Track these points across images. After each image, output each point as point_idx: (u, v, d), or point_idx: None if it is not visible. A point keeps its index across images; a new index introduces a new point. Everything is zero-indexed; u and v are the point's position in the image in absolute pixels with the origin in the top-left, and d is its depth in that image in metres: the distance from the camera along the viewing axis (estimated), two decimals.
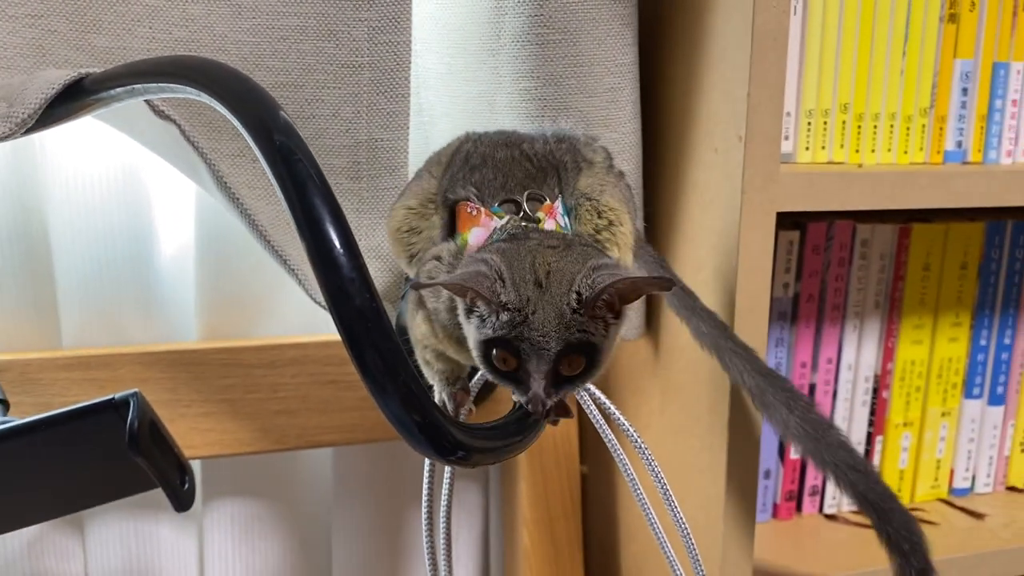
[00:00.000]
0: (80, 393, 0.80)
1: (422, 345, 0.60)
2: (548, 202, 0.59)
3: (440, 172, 0.62)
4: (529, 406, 0.51)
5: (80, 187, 0.81)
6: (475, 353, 0.53)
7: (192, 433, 0.83)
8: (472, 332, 0.53)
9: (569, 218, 0.61)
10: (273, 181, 0.43)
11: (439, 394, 0.61)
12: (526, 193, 0.59)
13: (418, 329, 0.60)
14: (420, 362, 0.61)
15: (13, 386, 0.78)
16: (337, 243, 0.40)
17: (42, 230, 0.81)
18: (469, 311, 0.53)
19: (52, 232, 0.81)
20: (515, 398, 0.54)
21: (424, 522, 0.63)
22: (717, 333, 0.70)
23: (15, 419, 0.64)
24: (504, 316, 0.51)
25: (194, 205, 0.84)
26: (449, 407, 0.60)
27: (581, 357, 0.52)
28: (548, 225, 0.58)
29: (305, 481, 0.95)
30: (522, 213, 0.58)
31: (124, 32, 0.71)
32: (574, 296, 0.51)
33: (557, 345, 0.51)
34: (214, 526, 0.91)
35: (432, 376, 0.61)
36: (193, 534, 0.91)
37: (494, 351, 0.51)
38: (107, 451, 0.63)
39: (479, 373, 0.62)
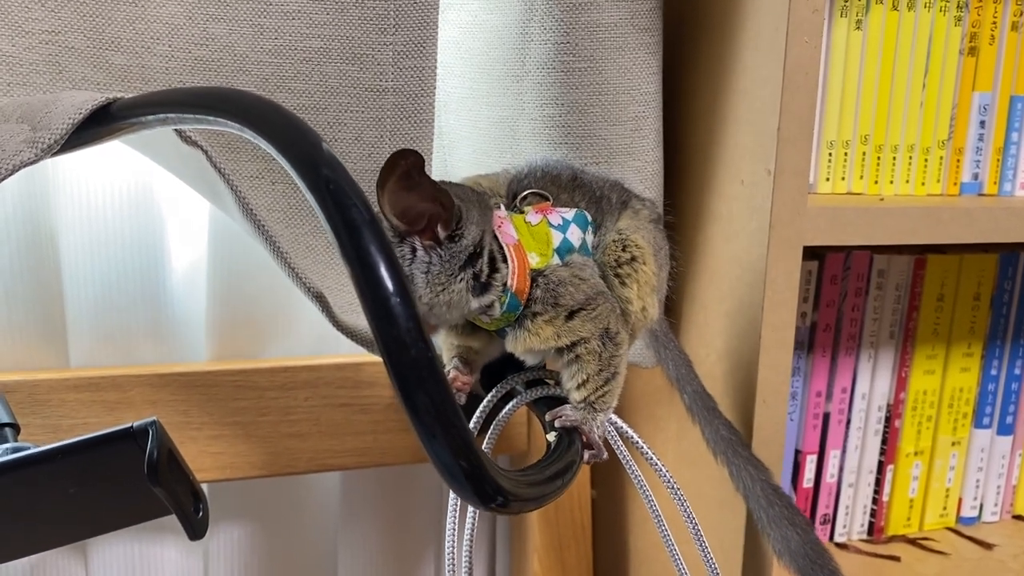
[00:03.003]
0: (89, 415, 0.78)
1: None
2: (548, 202, 0.59)
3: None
4: None
5: (91, 205, 0.80)
6: None
7: (202, 456, 0.82)
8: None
9: (594, 249, 0.61)
10: (324, 223, 0.42)
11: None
12: (527, 192, 0.60)
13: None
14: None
15: (21, 407, 0.77)
16: (393, 291, 0.40)
17: (51, 247, 0.80)
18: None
19: (62, 250, 0.80)
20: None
21: (448, 559, 0.62)
22: (735, 440, 0.69)
23: (30, 445, 0.63)
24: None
25: (206, 225, 0.83)
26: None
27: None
28: (531, 219, 0.59)
29: (312, 505, 0.94)
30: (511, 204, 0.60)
31: (143, 50, 0.70)
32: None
33: None
34: (220, 549, 0.90)
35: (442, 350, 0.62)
36: (198, 557, 0.90)
37: None
38: (123, 479, 0.62)
39: (490, 395, 0.62)
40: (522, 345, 0.58)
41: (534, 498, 0.49)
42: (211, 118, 0.49)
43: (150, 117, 0.54)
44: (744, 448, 0.69)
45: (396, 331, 0.39)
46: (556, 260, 0.58)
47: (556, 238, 0.59)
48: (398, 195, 0.52)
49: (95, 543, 0.86)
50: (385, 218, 0.52)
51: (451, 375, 0.62)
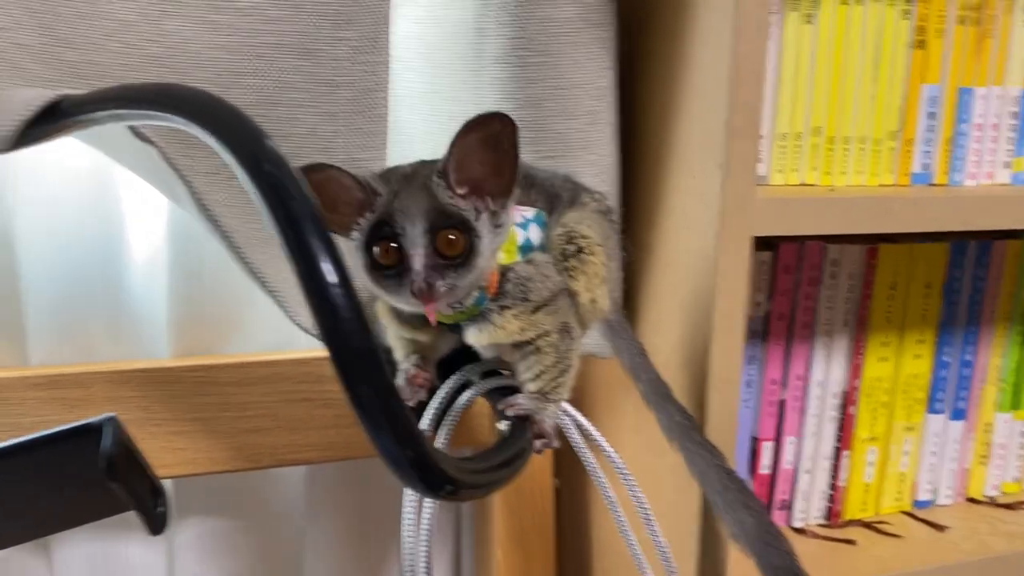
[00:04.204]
0: (49, 413, 0.78)
1: (384, 326, 0.63)
2: None
3: None
4: (415, 287, 0.53)
5: (48, 201, 0.80)
6: (365, 273, 0.55)
7: (164, 452, 0.82)
8: (356, 252, 0.55)
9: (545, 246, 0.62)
10: (266, 216, 0.42)
11: (400, 375, 0.63)
12: None
13: (379, 312, 0.63)
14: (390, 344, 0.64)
15: None
16: (334, 282, 0.40)
17: (8, 244, 0.79)
18: (352, 239, 0.55)
19: (18, 246, 0.80)
20: (405, 300, 0.54)
21: (406, 550, 0.63)
22: (689, 426, 0.70)
23: None
24: (377, 202, 0.54)
25: (165, 221, 0.83)
26: (401, 382, 0.62)
27: (459, 233, 0.54)
28: None
29: (277, 499, 0.94)
30: None
31: (96, 47, 0.69)
32: (437, 171, 0.54)
33: (429, 210, 0.53)
34: (184, 546, 0.90)
35: (396, 356, 0.64)
36: (162, 554, 0.90)
37: (374, 250, 0.54)
38: (81, 475, 0.62)
39: (444, 386, 0.63)
40: (488, 338, 0.59)
41: (484, 485, 0.50)
42: (158, 113, 0.50)
43: (99, 113, 0.54)
44: (698, 433, 0.70)
45: (338, 322, 0.40)
46: (519, 257, 0.60)
47: (520, 236, 0.60)
48: (474, 149, 0.53)
49: (58, 541, 0.86)
50: (445, 169, 0.54)
51: (411, 372, 0.63)
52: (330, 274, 0.40)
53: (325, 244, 0.41)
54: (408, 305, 0.57)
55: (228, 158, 0.45)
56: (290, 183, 0.43)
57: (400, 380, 0.62)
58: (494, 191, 0.55)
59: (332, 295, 0.40)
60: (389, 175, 0.56)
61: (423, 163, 0.57)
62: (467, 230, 0.54)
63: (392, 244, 0.54)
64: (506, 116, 0.53)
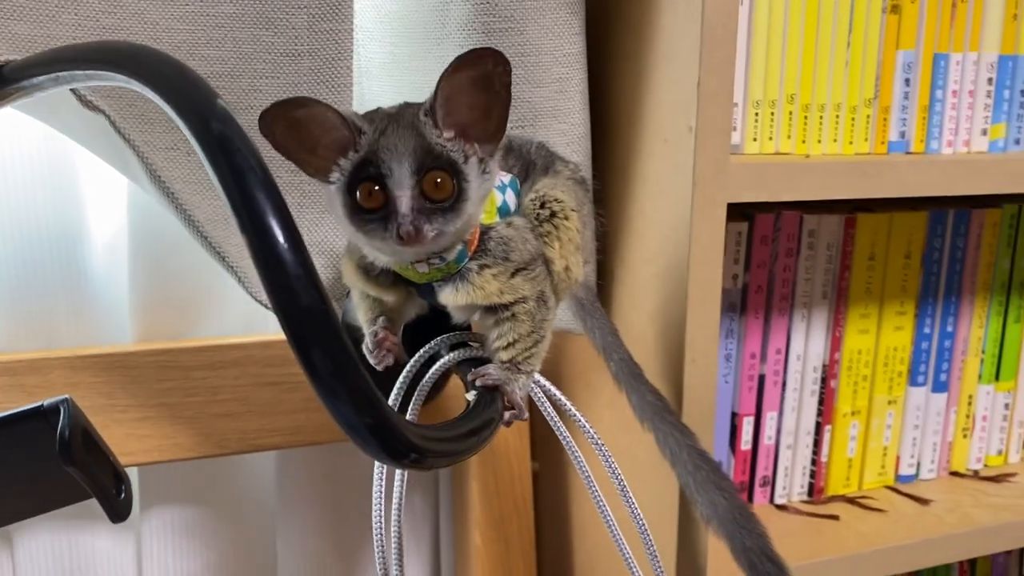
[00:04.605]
0: (7, 400, 0.76)
1: (351, 288, 0.61)
2: None
3: None
4: (401, 230, 0.50)
5: (2, 181, 0.77)
6: (344, 218, 0.53)
7: (129, 439, 0.80)
8: (336, 195, 0.53)
9: (520, 212, 0.60)
10: (211, 173, 0.40)
11: (367, 338, 0.61)
12: None
13: (344, 271, 0.61)
14: (355, 307, 0.62)
15: None
16: (281, 238, 0.38)
17: None
18: (330, 181, 0.53)
19: None
20: (389, 242, 0.52)
21: (376, 527, 0.61)
22: (661, 406, 0.69)
23: None
24: (361, 141, 0.51)
25: (125, 199, 0.81)
26: (370, 344, 0.60)
27: (447, 176, 0.52)
28: None
29: (247, 486, 0.92)
30: None
31: (48, 19, 0.67)
32: (423, 111, 0.52)
33: (416, 149, 0.51)
34: (153, 535, 0.88)
35: (360, 319, 0.61)
36: (130, 544, 0.87)
37: (357, 193, 0.52)
38: (37, 461, 0.60)
39: (413, 359, 0.61)
40: (464, 298, 0.57)
41: (449, 453, 0.48)
42: (100, 72, 0.48)
43: (42, 77, 0.52)
44: (670, 414, 0.69)
45: (285, 279, 0.38)
46: (498, 219, 0.58)
47: (498, 198, 0.58)
48: (463, 89, 0.51)
49: (20, 531, 0.83)
50: (432, 108, 0.52)
51: (380, 335, 0.60)
52: (277, 229, 0.38)
53: (272, 198, 0.39)
54: (391, 253, 0.55)
55: (171, 112, 0.43)
56: (235, 135, 0.41)
57: (368, 342, 0.60)
58: (482, 136, 0.53)
59: (279, 251, 0.38)
60: (373, 115, 0.54)
61: (408, 104, 0.54)
62: (455, 173, 0.52)
63: (376, 186, 0.51)
64: (499, 53, 0.50)
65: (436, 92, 0.52)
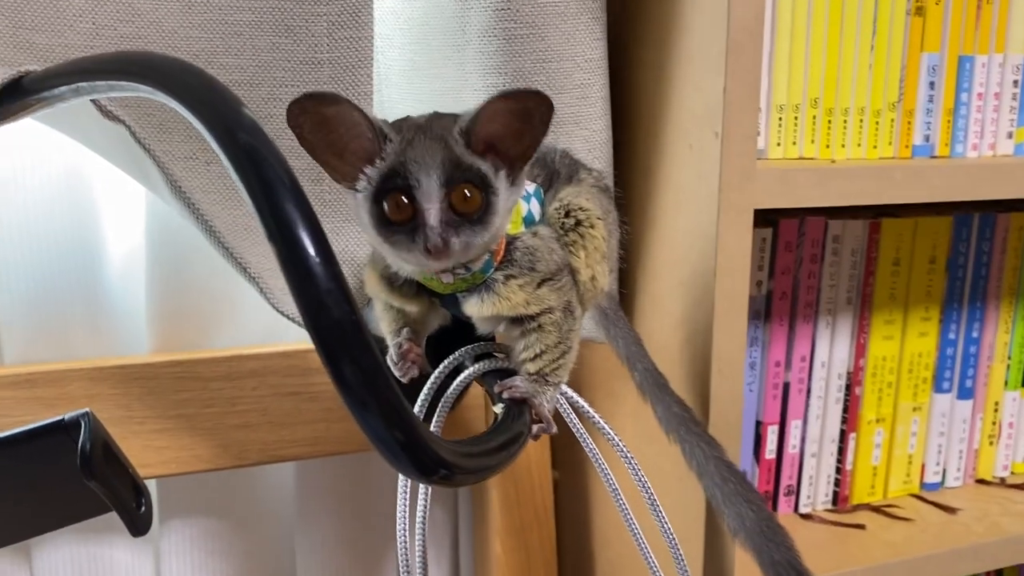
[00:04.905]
0: (26, 413, 0.75)
1: (373, 298, 0.60)
2: None
3: None
4: (429, 243, 0.50)
5: (19, 192, 0.77)
6: (371, 227, 0.52)
7: (147, 451, 0.79)
8: (363, 204, 0.52)
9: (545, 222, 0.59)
10: (239, 185, 0.40)
11: (391, 350, 0.60)
12: None
13: (366, 281, 0.60)
14: (378, 318, 0.61)
15: None
16: (312, 251, 0.37)
17: None
18: (356, 190, 0.52)
19: None
20: (417, 255, 0.51)
21: (400, 541, 0.60)
22: (686, 417, 0.68)
23: None
24: (387, 149, 0.50)
25: (143, 209, 0.80)
26: (395, 356, 0.59)
27: (476, 189, 0.51)
28: None
29: (267, 497, 0.91)
30: None
31: (65, 28, 0.67)
32: (457, 128, 0.51)
33: (445, 162, 0.50)
34: (172, 547, 0.87)
35: (383, 330, 0.61)
36: (149, 557, 0.87)
37: (385, 204, 0.51)
38: (57, 475, 0.59)
39: (437, 370, 0.60)
40: (489, 309, 0.56)
41: (479, 469, 0.47)
42: (122, 83, 0.47)
43: (62, 88, 0.51)
44: (696, 425, 0.68)
45: (317, 292, 0.37)
46: (523, 229, 0.58)
47: (523, 208, 0.58)
48: (501, 113, 0.51)
49: (39, 544, 0.82)
50: (466, 127, 0.51)
51: (404, 347, 0.60)
52: (308, 241, 0.37)
53: (302, 210, 0.38)
54: (417, 264, 0.54)
55: (197, 125, 0.42)
56: (265, 147, 0.40)
57: (392, 354, 0.59)
58: (512, 155, 0.53)
59: (311, 264, 0.37)
60: (401, 124, 0.53)
61: (438, 115, 0.54)
62: (484, 186, 0.51)
63: (404, 197, 0.50)
64: (547, 97, 0.50)
65: (476, 113, 0.51)
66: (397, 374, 0.59)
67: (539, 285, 0.56)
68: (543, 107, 0.50)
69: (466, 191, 0.51)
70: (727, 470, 0.67)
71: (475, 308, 0.56)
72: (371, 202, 0.51)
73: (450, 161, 0.50)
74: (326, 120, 0.50)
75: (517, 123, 0.51)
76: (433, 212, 0.50)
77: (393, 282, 0.57)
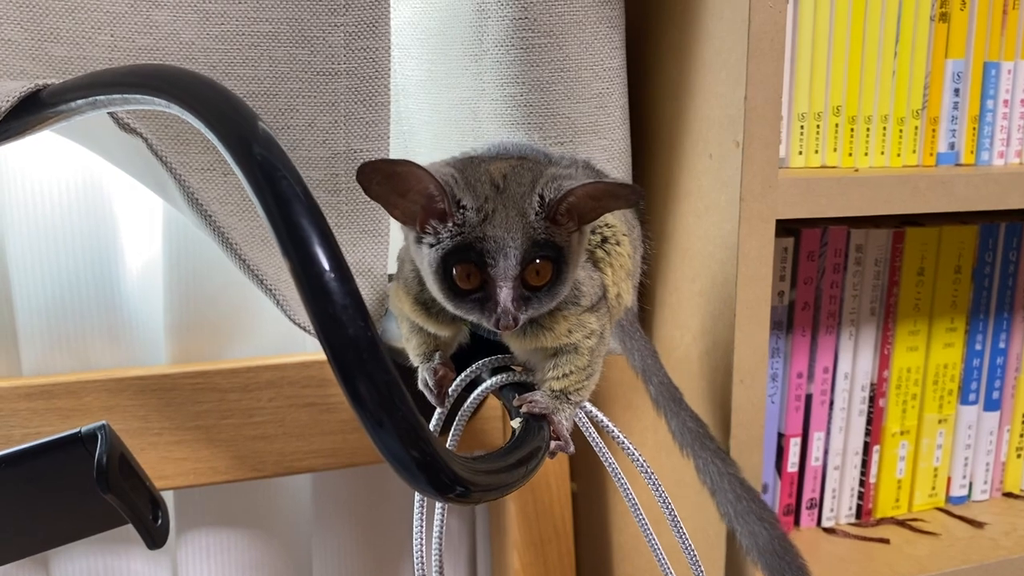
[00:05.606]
0: (43, 424, 0.75)
1: (400, 318, 0.59)
2: None
3: None
4: (500, 323, 0.49)
5: (38, 204, 0.77)
6: (434, 283, 0.51)
7: (164, 463, 0.79)
8: (427, 259, 0.50)
9: None
10: (254, 199, 0.39)
11: (420, 374, 0.59)
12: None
13: (394, 300, 0.58)
14: (403, 338, 0.60)
15: None
16: (328, 266, 0.37)
17: None
18: (419, 239, 0.50)
19: (9, 252, 0.77)
20: (484, 322, 0.50)
21: (416, 556, 0.60)
22: (701, 432, 0.67)
23: None
24: (463, 217, 0.49)
25: (161, 221, 0.80)
26: (431, 382, 0.58)
27: (548, 262, 0.50)
28: None
29: (283, 508, 0.91)
30: None
31: (84, 40, 0.67)
32: (536, 199, 0.49)
33: (523, 243, 0.49)
34: (189, 559, 0.87)
35: (410, 352, 0.59)
36: (167, 568, 0.86)
37: (454, 270, 0.49)
38: (74, 487, 0.59)
39: (454, 383, 0.59)
40: (532, 343, 0.55)
41: (496, 487, 0.47)
42: (139, 96, 0.47)
43: (80, 101, 0.51)
44: (711, 441, 0.67)
45: (332, 308, 0.37)
46: None
47: None
48: (595, 201, 0.50)
49: (56, 555, 0.82)
50: (553, 202, 0.50)
51: (440, 372, 0.59)
52: (323, 257, 0.37)
53: (318, 225, 0.38)
54: (479, 325, 0.53)
55: (213, 138, 0.42)
56: (280, 162, 0.40)
57: (428, 379, 0.58)
58: (587, 218, 0.52)
59: (326, 280, 0.37)
60: (476, 184, 0.50)
61: (515, 170, 0.51)
62: (557, 259, 0.50)
63: (476, 268, 0.49)
64: (641, 190, 0.49)
65: (565, 195, 0.49)
66: (433, 401, 0.58)
67: (582, 314, 0.55)
68: (634, 198, 0.50)
69: (539, 269, 0.50)
70: (741, 487, 0.66)
71: (518, 342, 0.56)
72: (439, 263, 0.50)
73: (529, 240, 0.49)
74: (395, 175, 0.48)
75: (605, 201, 0.50)
76: (505, 291, 0.49)
77: (430, 307, 0.56)
